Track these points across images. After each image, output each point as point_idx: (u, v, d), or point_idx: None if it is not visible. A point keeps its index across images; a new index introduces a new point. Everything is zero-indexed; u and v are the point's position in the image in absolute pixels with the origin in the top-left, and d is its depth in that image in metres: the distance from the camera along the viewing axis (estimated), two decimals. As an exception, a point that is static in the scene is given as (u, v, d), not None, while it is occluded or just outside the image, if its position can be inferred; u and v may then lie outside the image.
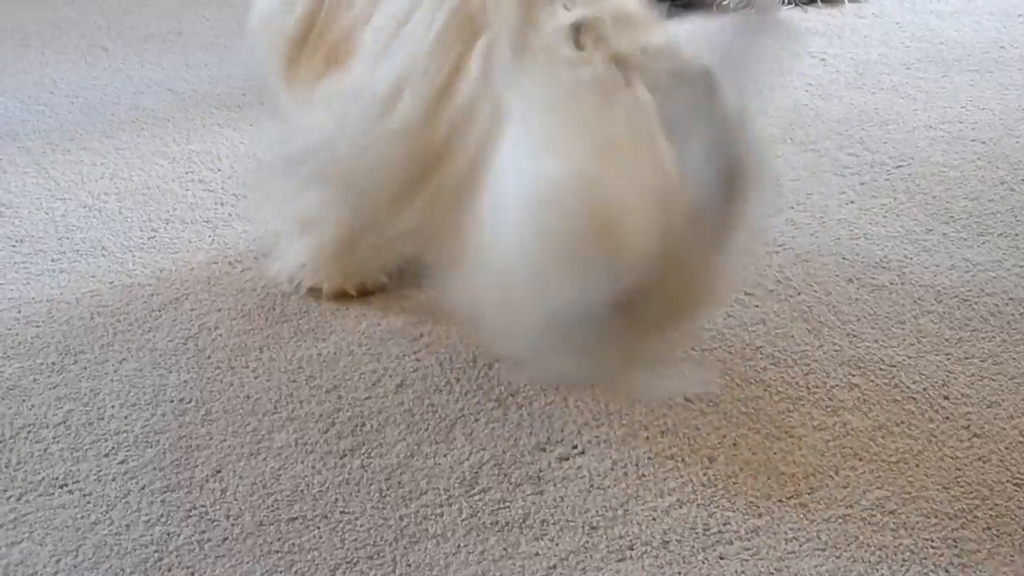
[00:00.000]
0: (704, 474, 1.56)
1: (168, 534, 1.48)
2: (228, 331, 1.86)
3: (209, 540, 1.47)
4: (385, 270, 1.91)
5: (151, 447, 1.62)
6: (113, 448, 1.62)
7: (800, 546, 1.45)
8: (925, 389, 1.70)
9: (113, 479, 1.57)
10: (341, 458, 1.59)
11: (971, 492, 1.52)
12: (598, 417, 1.65)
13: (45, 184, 2.31)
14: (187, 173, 2.35)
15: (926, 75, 2.74)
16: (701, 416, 1.65)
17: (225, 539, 1.47)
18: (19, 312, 1.91)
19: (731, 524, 1.48)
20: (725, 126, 1.40)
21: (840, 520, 1.48)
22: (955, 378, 1.72)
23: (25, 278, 2.00)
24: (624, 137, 1.40)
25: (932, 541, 1.45)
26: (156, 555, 1.45)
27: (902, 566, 1.42)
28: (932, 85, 2.69)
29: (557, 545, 1.46)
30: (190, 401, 1.71)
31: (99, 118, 2.60)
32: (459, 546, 1.46)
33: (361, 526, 1.49)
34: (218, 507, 1.52)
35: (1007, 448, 1.59)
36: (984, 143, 2.40)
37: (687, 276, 1.45)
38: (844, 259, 1.99)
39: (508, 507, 1.51)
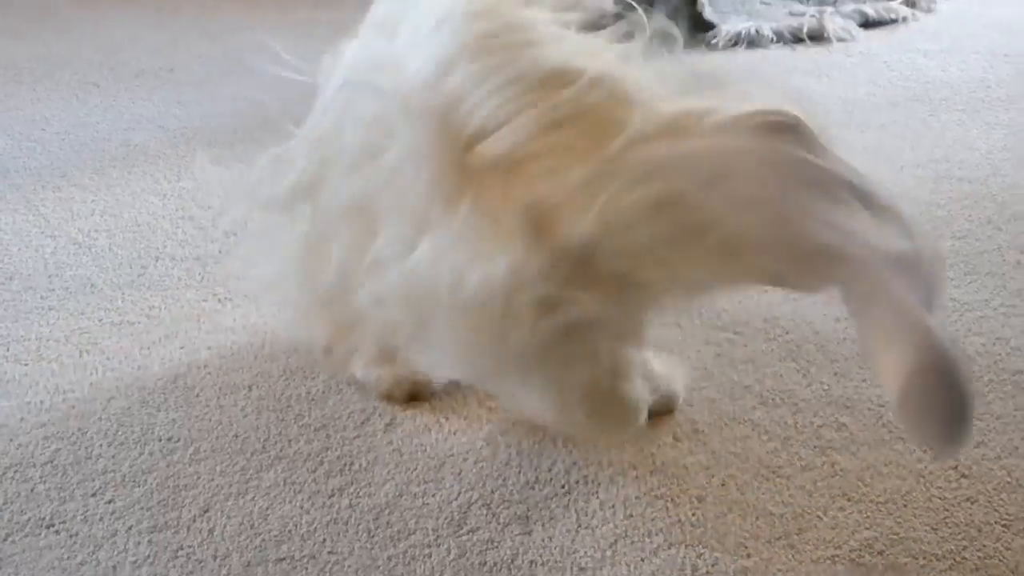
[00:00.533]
0: (692, 514, 1.56)
1: (155, 575, 1.48)
2: (217, 369, 1.86)
3: (197, 580, 1.47)
4: None
5: (138, 486, 1.62)
6: (100, 487, 1.62)
7: (788, 587, 1.45)
8: (913, 429, 1.70)
9: (100, 519, 1.56)
10: (329, 497, 1.59)
11: (959, 533, 1.52)
12: (586, 457, 1.65)
13: (35, 221, 2.31)
14: (177, 210, 2.35)
15: (913, 114, 2.76)
16: (689, 455, 1.66)
17: (213, 579, 1.47)
18: (7, 350, 1.91)
19: (720, 565, 1.48)
20: None
21: (828, 561, 1.48)
22: (943, 418, 1.72)
23: (14, 315, 2.00)
24: None
25: (920, 582, 1.45)
26: (143, 595, 1.45)
27: (890, 607, 1.42)
28: (919, 124, 2.70)
29: (545, 586, 1.46)
30: (178, 440, 1.70)
31: (90, 155, 2.61)
32: (447, 587, 1.46)
33: (349, 566, 1.49)
34: (206, 547, 1.52)
35: (995, 489, 1.59)
36: (971, 182, 2.41)
37: None
38: (832, 298, 2.00)
39: (496, 547, 1.51)
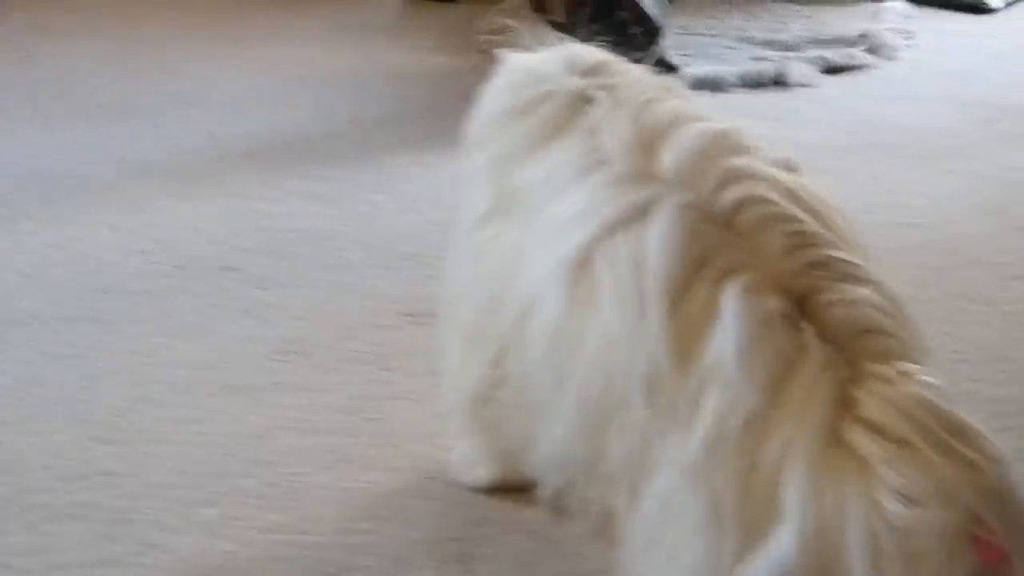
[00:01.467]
0: (637, 556, 1.54)
1: (91, 610, 1.46)
2: (164, 403, 1.84)
3: (133, 617, 1.45)
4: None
5: (79, 521, 1.60)
6: (40, 521, 1.60)
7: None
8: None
9: (38, 554, 1.54)
10: (272, 534, 1.58)
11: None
12: (528, 496, 1.63)
13: (-16, 252, 2.30)
14: (130, 243, 2.34)
15: (871, 160, 2.77)
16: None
17: (150, 616, 1.46)
18: (-49, 381, 1.89)
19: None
20: None
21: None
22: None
23: (-41, 347, 1.99)
24: None
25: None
26: (78, 631, 1.43)
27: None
28: (878, 169, 2.71)
29: (487, 626, 1.45)
30: (120, 474, 1.68)
31: (43, 187, 2.59)
32: (388, 626, 1.44)
33: (289, 604, 1.47)
34: (144, 583, 1.50)
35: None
36: (924, 229, 2.42)
37: None
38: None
39: (439, 587, 1.50)
